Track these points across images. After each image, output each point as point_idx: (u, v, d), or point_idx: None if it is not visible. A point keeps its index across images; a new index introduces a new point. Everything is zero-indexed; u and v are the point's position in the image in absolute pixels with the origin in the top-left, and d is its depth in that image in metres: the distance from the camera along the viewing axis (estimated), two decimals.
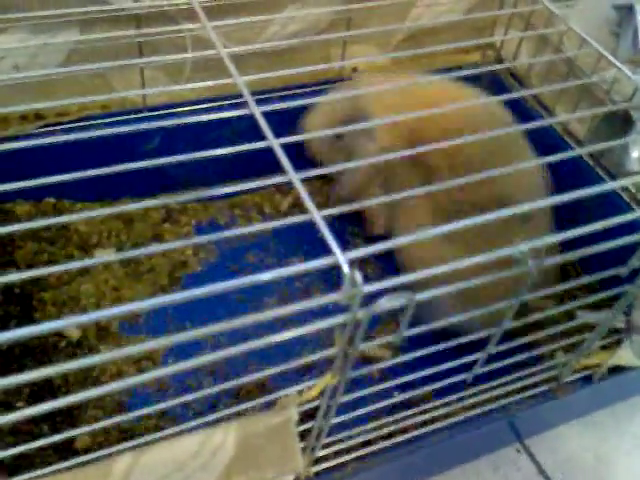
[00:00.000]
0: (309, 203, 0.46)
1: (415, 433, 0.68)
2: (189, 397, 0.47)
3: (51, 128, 0.86)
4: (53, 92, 0.82)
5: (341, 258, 0.43)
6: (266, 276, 0.43)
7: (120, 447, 0.47)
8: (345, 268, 0.43)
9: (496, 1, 1.09)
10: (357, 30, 0.96)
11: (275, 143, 0.50)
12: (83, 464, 0.47)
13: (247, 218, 1.00)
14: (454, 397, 0.68)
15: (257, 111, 0.52)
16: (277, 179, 0.48)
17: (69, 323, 0.37)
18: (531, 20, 1.02)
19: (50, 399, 0.38)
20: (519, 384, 0.70)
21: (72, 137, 0.52)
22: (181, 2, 0.77)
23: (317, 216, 0.46)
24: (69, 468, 0.47)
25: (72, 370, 0.37)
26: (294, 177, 0.48)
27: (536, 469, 0.80)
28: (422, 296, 0.46)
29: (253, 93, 0.55)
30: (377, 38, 1.09)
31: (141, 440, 0.48)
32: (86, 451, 0.71)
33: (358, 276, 0.42)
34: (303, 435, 0.56)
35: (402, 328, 0.48)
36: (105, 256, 0.90)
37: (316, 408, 0.53)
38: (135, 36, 0.82)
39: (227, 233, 0.45)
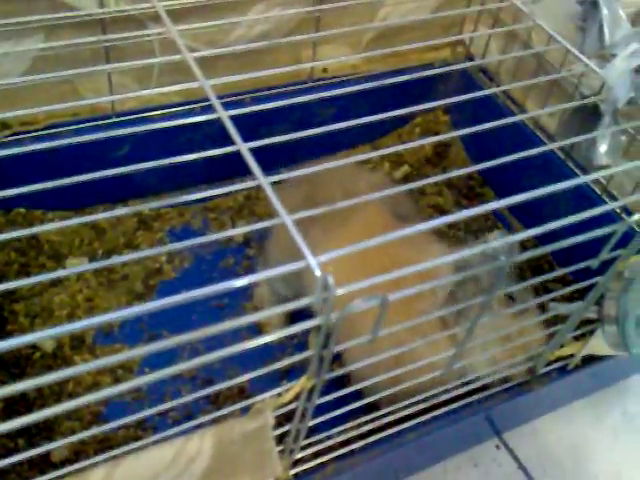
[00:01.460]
0: (279, 207, 0.46)
1: (393, 430, 0.68)
2: (166, 406, 0.46)
3: (18, 137, 0.85)
4: (19, 100, 0.81)
5: (312, 261, 0.43)
6: (240, 282, 0.43)
7: (96, 459, 0.46)
8: (317, 271, 0.42)
9: None
10: (326, 30, 0.95)
11: (243, 148, 0.50)
12: (59, 478, 0.46)
13: (220, 222, 0.99)
14: (431, 393, 0.68)
15: (224, 115, 0.52)
16: (247, 184, 0.48)
17: (43, 336, 0.36)
18: (499, 17, 1.03)
19: (25, 412, 0.37)
20: (494, 377, 0.71)
21: (40, 146, 0.51)
22: (145, 6, 0.76)
23: (288, 220, 0.46)
24: None
25: (47, 383, 0.36)
26: (263, 181, 0.48)
27: (516, 464, 0.80)
28: (396, 296, 0.46)
29: (224, 96, 0.55)
30: (347, 38, 1.09)
31: (117, 451, 0.47)
32: (63, 463, 0.70)
33: (330, 279, 0.42)
34: (281, 438, 0.55)
35: (376, 327, 0.48)
36: (78, 265, 0.89)
37: (293, 411, 0.53)
38: (101, 41, 0.81)
39: (200, 239, 0.44)
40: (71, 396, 0.76)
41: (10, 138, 0.85)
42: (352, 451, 0.67)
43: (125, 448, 0.48)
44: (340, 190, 0.79)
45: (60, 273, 0.43)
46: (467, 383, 0.69)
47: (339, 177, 0.82)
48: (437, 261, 0.49)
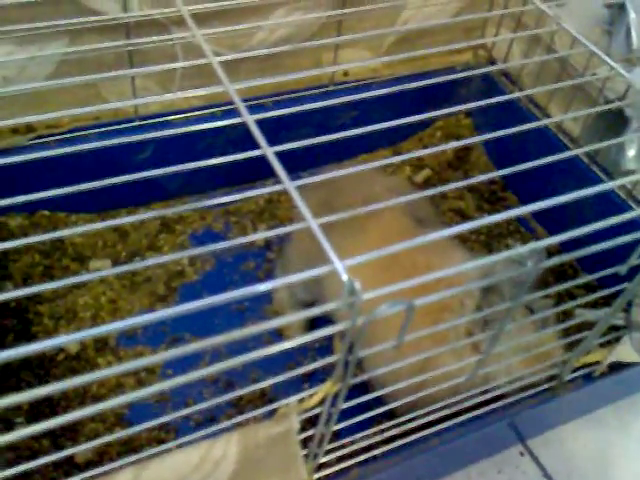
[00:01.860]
0: (305, 211, 0.46)
1: (416, 436, 0.67)
2: (189, 411, 0.46)
3: (43, 140, 0.86)
4: (44, 104, 0.82)
5: (339, 266, 0.43)
6: (263, 287, 0.43)
7: (122, 462, 0.46)
8: (343, 276, 0.42)
9: (486, 2, 1.09)
10: (348, 34, 0.95)
11: (269, 152, 0.49)
12: None
13: (242, 226, 0.99)
14: (455, 399, 0.67)
15: (250, 119, 0.52)
16: (273, 187, 0.48)
17: (69, 340, 0.36)
18: (522, 20, 1.02)
19: (50, 413, 0.37)
20: (520, 383, 0.70)
21: (64, 150, 0.51)
22: (170, 10, 0.76)
23: (314, 224, 0.46)
24: None
25: (72, 387, 0.37)
26: (289, 185, 0.48)
27: (540, 471, 0.79)
28: (422, 301, 0.46)
29: (245, 99, 0.55)
30: (368, 42, 1.08)
31: (143, 454, 0.47)
32: (87, 465, 0.71)
33: (357, 284, 0.42)
34: (305, 442, 0.55)
35: (402, 332, 0.48)
36: (101, 267, 0.90)
37: (318, 415, 0.52)
38: (125, 45, 0.82)
39: (223, 244, 0.44)
40: (95, 398, 0.76)
41: (35, 141, 0.86)
42: (375, 457, 0.66)
43: (150, 451, 0.48)
44: (358, 195, 0.78)
45: (84, 277, 0.43)
46: (490, 390, 0.69)
47: (357, 181, 0.81)
48: (462, 267, 0.49)
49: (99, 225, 0.46)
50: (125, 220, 0.47)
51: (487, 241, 1.02)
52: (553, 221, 1.01)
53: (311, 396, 0.50)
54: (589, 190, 0.53)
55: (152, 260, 0.43)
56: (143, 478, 0.43)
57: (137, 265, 0.43)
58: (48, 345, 0.37)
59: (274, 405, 0.50)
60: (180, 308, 0.39)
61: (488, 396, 0.69)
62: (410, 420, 0.66)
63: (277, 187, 0.48)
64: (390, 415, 0.65)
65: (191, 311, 0.40)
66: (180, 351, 0.40)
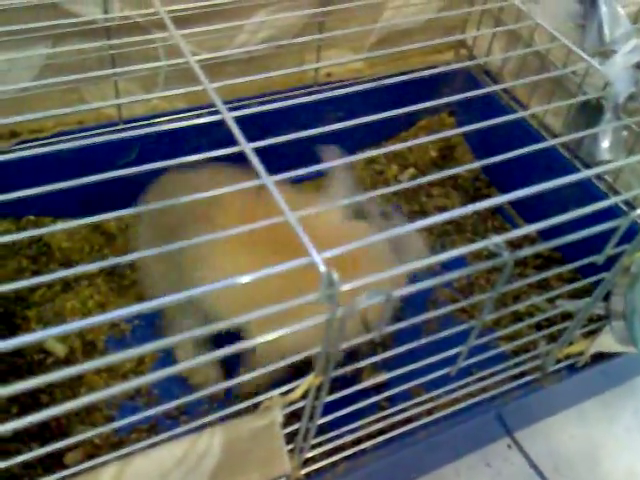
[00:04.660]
0: (283, 205, 0.47)
1: (404, 429, 0.68)
2: (173, 404, 0.47)
3: (27, 145, 0.86)
4: (27, 109, 0.82)
5: (317, 258, 0.43)
6: (245, 279, 0.43)
7: (107, 457, 0.47)
8: (321, 267, 0.43)
9: (466, 1, 1.10)
10: (330, 33, 0.96)
11: (247, 148, 0.50)
12: (72, 476, 0.47)
13: None
14: (440, 391, 0.68)
15: (228, 116, 0.52)
16: (251, 182, 0.49)
17: (52, 333, 0.37)
18: (501, 18, 1.03)
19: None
20: (504, 375, 0.71)
21: (47, 149, 0.52)
22: (149, 12, 0.77)
23: (292, 218, 0.46)
24: None
25: (58, 380, 0.37)
26: (267, 180, 0.48)
27: (528, 463, 0.80)
28: (401, 292, 0.46)
29: (230, 101, 0.56)
30: (350, 42, 1.09)
31: (127, 449, 0.47)
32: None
33: (335, 275, 0.42)
34: (291, 437, 0.56)
35: (382, 324, 0.48)
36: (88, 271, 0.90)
37: (302, 409, 0.53)
38: (106, 48, 0.82)
39: (206, 237, 0.45)
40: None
41: (19, 146, 0.86)
42: (364, 450, 0.67)
43: (134, 446, 0.48)
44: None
45: (70, 271, 0.44)
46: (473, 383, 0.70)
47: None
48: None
49: (81, 221, 0.46)
50: (108, 216, 0.48)
51: (472, 238, 1.03)
52: (539, 218, 1.02)
53: (294, 389, 0.50)
54: (565, 179, 0.53)
55: (139, 254, 0.44)
56: (127, 473, 0.44)
57: (126, 259, 0.43)
58: (31, 339, 0.38)
59: (258, 399, 0.51)
60: (165, 300, 0.40)
61: (475, 387, 0.70)
62: (397, 412, 0.67)
63: (256, 182, 0.49)
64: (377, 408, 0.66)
65: (172, 304, 0.40)
66: (163, 343, 0.40)
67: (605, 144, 0.72)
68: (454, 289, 0.95)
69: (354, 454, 0.66)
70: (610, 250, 0.58)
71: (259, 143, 0.51)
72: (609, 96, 0.70)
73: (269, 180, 0.48)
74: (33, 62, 0.85)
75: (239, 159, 0.52)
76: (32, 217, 0.93)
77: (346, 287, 0.43)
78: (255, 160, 0.49)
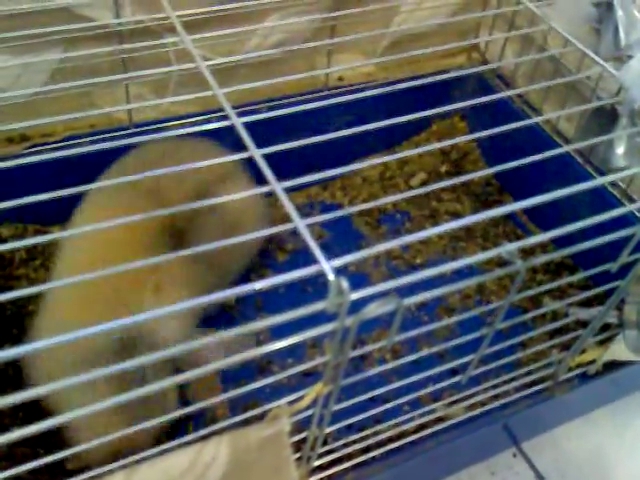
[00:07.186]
0: (293, 212, 0.46)
1: (412, 438, 0.67)
2: (178, 414, 0.46)
3: (37, 149, 0.86)
4: (38, 113, 0.82)
5: (326, 266, 0.43)
6: (257, 285, 0.43)
7: (112, 466, 0.46)
8: (330, 276, 0.42)
9: (479, 4, 1.10)
10: (341, 37, 0.96)
11: (256, 153, 0.50)
12: None
13: None
14: (449, 400, 0.67)
15: (238, 122, 0.52)
16: (260, 189, 0.48)
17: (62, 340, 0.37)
18: (515, 22, 1.02)
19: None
20: (515, 383, 0.70)
21: (58, 154, 0.51)
22: (160, 17, 0.77)
23: (301, 225, 0.46)
24: None
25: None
26: (277, 187, 0.48)
27: (533, 474, 0.79)
28: (411, 300, 0.46)
29: (240, 106, 0.55)
30: (362, 46, 1.09)
31: (134, 457, 0.47)
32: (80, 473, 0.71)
33: (344, 283, 0.42)
34: (299, 445, 0.55)
35: (392, 333, 0.48)
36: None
37: (310, 417, 0.52)
38: (118, 52, 0.82)
39: (208, 246, 0.44)
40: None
41: (30, 150, 0.86)
42: (369, 460, 0.66)
43: (140, 454, 0.48)
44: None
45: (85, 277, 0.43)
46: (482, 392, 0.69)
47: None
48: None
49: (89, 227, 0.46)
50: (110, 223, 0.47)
51: (482, 243, 1.02)
52: (550, 223, 1.01)
53: (302, 398, 0.50)
54: (579, 186, 0.53)
55: (147, 260, 0.44)
56: None
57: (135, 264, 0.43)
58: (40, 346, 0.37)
59: (265, 407, 0.50)
60: (165, 310, 0.39)
61: (482, 397, 0.69)
62: (404, 422, 0.66)
63: (265, 188, 0.48)
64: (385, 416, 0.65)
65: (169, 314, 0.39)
66: (167, 352, 0.39)
67: (620, 150, 0.71)
68: (464, 296, 0.94)
69: (362, 463, 0.66)
70: (624, 258, 0.57)
71: (268, 149, 0.50)
72: (624, 102, 0.69)
73: (279, 187, 0.48)
74: (44, 66, 0.85)
75: (249, 164, 0.52)
76: (38, 226, 0.92)
77: (356, 295, 0.43)
78: (264, 166, 0.49)
